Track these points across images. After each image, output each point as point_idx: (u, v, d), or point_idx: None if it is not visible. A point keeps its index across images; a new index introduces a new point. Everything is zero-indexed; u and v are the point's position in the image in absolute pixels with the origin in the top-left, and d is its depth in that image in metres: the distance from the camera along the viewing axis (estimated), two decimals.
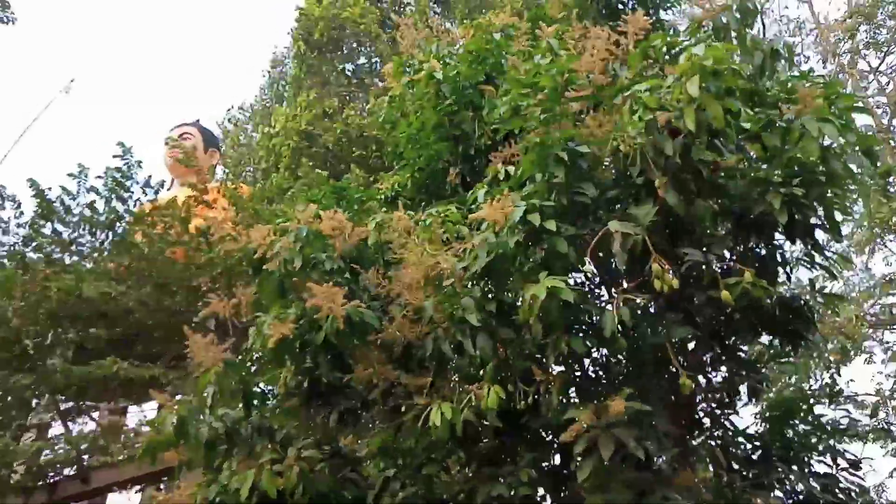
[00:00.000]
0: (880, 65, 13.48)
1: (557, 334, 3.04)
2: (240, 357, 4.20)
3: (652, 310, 3.43)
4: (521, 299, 3.14)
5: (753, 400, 4.38)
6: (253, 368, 4.80)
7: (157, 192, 7.41)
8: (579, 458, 2.95)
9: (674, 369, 3.33)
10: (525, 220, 3.12)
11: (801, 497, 4.13)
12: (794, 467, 4.28)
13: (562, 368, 3.58)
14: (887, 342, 12.41)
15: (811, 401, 4.82)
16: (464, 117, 5.09)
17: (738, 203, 3.56)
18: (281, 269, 3.73)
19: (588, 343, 3.12)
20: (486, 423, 3.28)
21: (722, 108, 2.92)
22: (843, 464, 4.48)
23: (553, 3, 6.11)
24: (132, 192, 6.95)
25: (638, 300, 3.05)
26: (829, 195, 3.53)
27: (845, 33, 11.48)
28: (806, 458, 4.43)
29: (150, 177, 7.13)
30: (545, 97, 3.58)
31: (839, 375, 7.79)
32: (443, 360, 3.56)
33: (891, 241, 11.72)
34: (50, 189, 6.64)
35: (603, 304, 3.13)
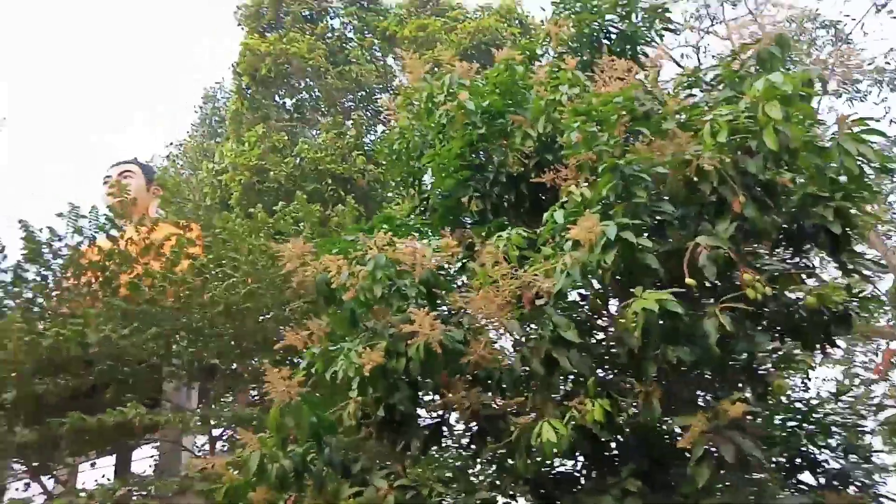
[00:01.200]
0: None
1: (663, 345, 3.20)
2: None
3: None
4: (620, 313, 3.28)
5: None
6: None
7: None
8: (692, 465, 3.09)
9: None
10: (619, 238, 3.29)
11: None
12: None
13: None
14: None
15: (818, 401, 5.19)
16: (492, 146, 5.25)
17: (786, 216, 3.89)
18: (360, 297, 3.72)
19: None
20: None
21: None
22: (854, 459, 4.84)
23: (552, 38, 6.41)
24: (124, 231, 6.64)
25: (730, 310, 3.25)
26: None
27: None
28: (815, 457, 4.76)
29: (143, 216, 6.83)
30: (610, 124, 3.81)
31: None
32: (531, 379, 3.64)
33: None
34: (41, 231, 6.25)
35: (697, 315, 3.31)
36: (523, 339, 3.72)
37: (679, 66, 14.30)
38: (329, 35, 18.35)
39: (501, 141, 5.22)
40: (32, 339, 5.81)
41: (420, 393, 3.96)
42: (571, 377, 3.69)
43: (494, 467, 3.97)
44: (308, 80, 18.67)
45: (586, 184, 4.22)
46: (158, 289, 6.37)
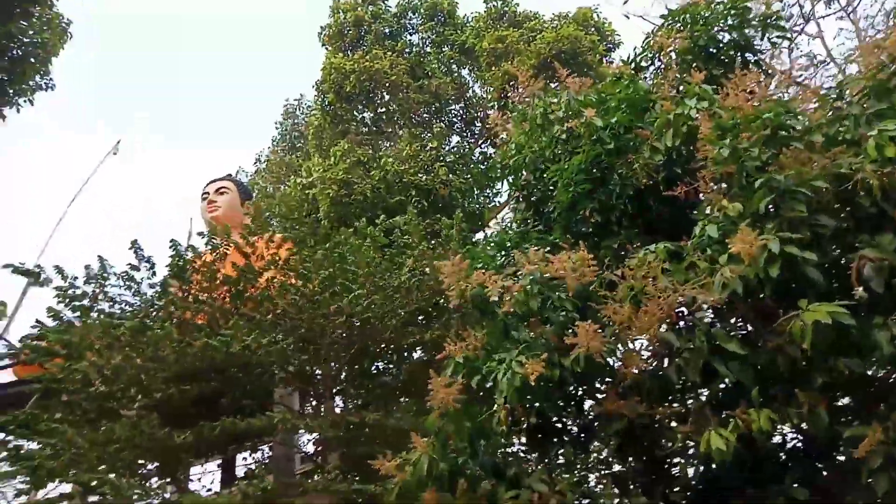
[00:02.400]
0: None
1: (833, 356, 3.27)
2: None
3: None
4: (789, 324, 3.35)
5: None
6: None
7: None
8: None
9: None
10: (783, 251, 3.39)
11: None
12: None
13: None
14: None
15: None
16: (617, 161, 5.37)
17: None
18: (517, 310, 3.93)
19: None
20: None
21: None
22: None
23: (663, 50, 6.49)
24: (256, 247, 7.15)
25: None
26: None
27: None
28: None
29: (273, 232, 7.34)
30: (759, 139, 3.90)
31: None
32: (684, 389, 3.76)
33: None
34: (186, 249, 6.81)
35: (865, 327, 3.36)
36: (677, 350, 3.83)
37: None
38: (408, 51, 18.84)
39: (628, 155, 5.33)
40: (181, 348, 6.31)
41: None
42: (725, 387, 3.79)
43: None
44: (386, 94, 19.22)
45: (722, 196, 4.31)
46: (289, 301, 6.80)
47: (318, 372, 8.87)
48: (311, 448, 9.96)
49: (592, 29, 18.19)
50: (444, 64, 19.58)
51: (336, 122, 19.39)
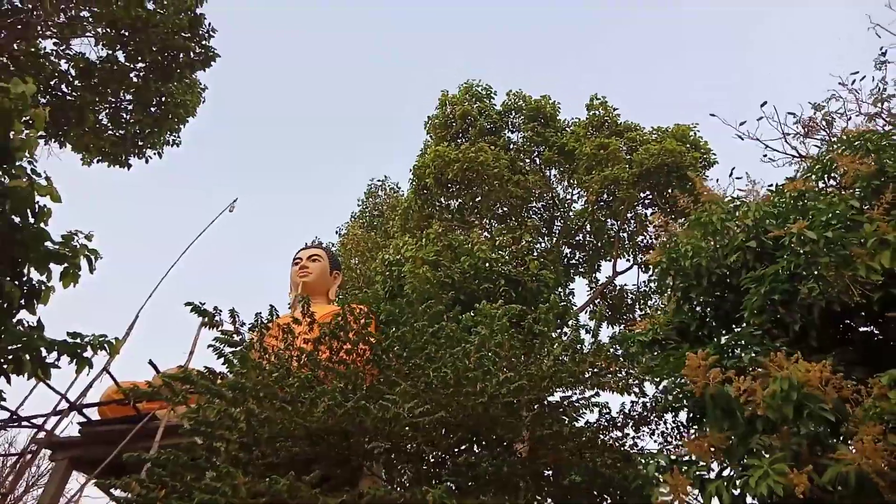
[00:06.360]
0: None
1: None
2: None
3: None
4: None
5: None
6: None
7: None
8: None
9: None
10: None
11: None
12: None
13: None
14: None
15: None
16: (824, 273, 5.29)
17: None
18: (769, 415, 3.79)
19: None
20: None
21: None
22: None
23: (848, 173, 6.54)
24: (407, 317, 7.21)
25: None
26: None
27: None
28: None
29: (427, 305, 7.43)
30: None
31: None
32: None
33: None
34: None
35: None
36: None
37: None
38: (509, 147, 19.53)
39: (835, 271, 5.25)
40: (332, 407, 6.24)
41: None
42: None
43: None
44: (475, 186, 19.76)
45: None
46: (441, 374, 6.73)
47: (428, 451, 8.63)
48: None
49: (688, 145, 18.60)
50: (535, 162, 20.20)
51: (425, 206, 19.97)
